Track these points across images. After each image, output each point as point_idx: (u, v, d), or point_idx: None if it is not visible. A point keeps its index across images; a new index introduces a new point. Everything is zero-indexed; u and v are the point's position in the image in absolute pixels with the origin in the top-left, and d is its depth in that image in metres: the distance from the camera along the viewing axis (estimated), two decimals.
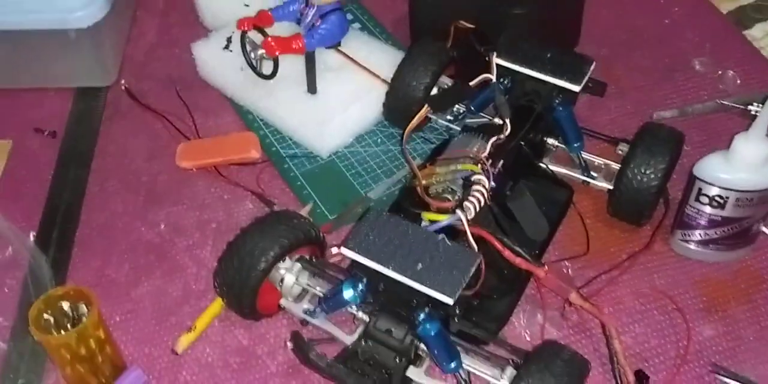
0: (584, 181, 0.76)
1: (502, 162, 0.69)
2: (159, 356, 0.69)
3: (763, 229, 0.73)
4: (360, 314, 0.65)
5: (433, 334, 0.59)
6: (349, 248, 0.59)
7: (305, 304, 0.68)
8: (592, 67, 0.71)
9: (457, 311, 0.61)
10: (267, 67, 0.80)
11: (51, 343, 0.63)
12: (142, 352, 0.69)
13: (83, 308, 0.64)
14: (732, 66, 0.88)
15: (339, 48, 0.82)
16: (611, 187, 0.74)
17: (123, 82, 0.90)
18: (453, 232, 0.64)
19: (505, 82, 0.72)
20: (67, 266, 0.75)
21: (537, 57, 0.71)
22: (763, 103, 0.80)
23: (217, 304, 0.71)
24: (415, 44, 0.79)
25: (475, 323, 0.65)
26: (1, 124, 0.87)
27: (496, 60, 0.71)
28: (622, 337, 0.66)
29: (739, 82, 0.87)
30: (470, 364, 0.61)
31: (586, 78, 0.71)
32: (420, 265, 0.58)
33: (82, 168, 0.83)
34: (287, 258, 0.66)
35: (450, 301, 0.56)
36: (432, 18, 0.85)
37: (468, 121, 0.78)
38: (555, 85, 0.71)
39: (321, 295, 0.66)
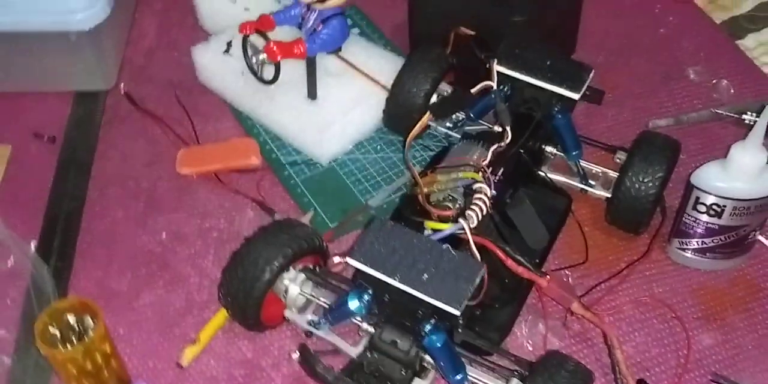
0: (582, 189, 0.77)
1: (502, 170, 0.70)
2: (164, 369, 0.69)
3: (760, 237, 0.74)
4: (365, 325, 0.65)
5: (439, 345, 0.59)
6: (355, 259, 0.59)
7: (309, 316, 0.68)
8: (591, 75, 0.72)
9: (461, 321, 0.61)
10: (268, 72, 0.80)
11: (57, 358, 0.62)
12: (147, 365, 0.69)
13: (89, 321, 0.64)
14: (726, 75, 0.89)
15: (339, 53, 0.82)
16: (609, 196, 0.75)
17: (122, 85, 0.90)
18: (456, 240, 0.64)
19: (505, 89, 0.73)
20: (69, 276, 0.75)
21: (537, 64, 0.72)
22: (757, 113, 0.82)
23: (221, 316, 0.71)
24: (415, 51, 0.79)
25: (478, 333, 0.66)
26: (0, 128, 0.87)
27: (497, 67, 0.71)
28: (623, 347, 0.67)
29: (732, 91, 0.88)
30: (475, 375, 0.61)
31: (586, 86, 0.71)
32: (425, 276, 0.58)
33: (81, 174, 0.83)
34: (291, 268, 0.66)
35: (457, 312, 0.57)
36: (431, 24, 0.85)
37: (467, 128, 0.78)
38: (554, 92, 0.72)
39: (325, 305, 0.67)
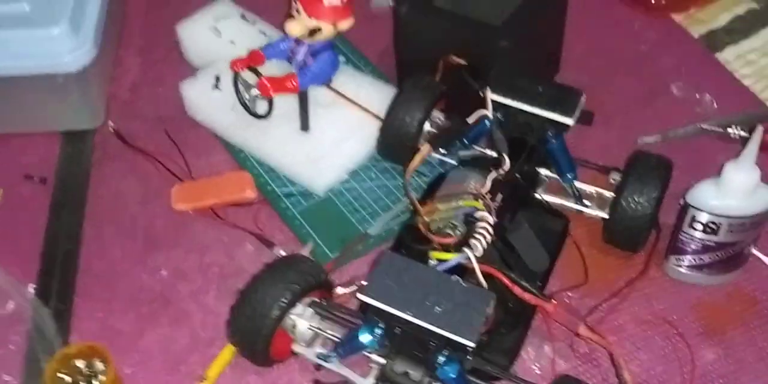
0: (578, 210, 0.78)
1: (500, 196, 0.71)
2: None
3: (754, 251, 0.76)
4: (375, 357, 0.66)
5: (453, 376, 0.60)
6: (367, 295, 0.60)
7: (318, 348, 0.68)
8: (583, 99, 0.73)
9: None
10: (260, 107, 0.81)
11: None
12: None
13: (98, 365, 0.64)
14: (708, 89, 0.91)
15: (329, 84, 0.83)
16: (606, 216, 0.76)
17: (110, 123, 0.90)
18: (461, 269, 0.65)
19: (499, 116, 0.74)
20: (70, 317, 0.75)
21: (529, 91, 0.73)
22: (742, 126, 0.84)
23: (228, 352, 0.71)
24: (407, 80, 0.80)
25: (487, 359, 0.66)
26: None
27: (491, 95, 0.72)
28: (630, 366, 0.68)
29: (716, 105, 0.89)
30: None
31: (579, 110, 0.72)
32: (438, 309, 0.59)
33: (75, 214, 0.82)
34: (298, 303, 0.67)
35: (471, 343, 0.58)
36: (417, 50, 0.86)
37: (461, 153, 0.79)
38: (546, 117, 0.73)
39: (334, 338, 0.67)
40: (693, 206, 0.70)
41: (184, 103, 0.88)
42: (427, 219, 0.68)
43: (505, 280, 0.64)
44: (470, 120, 0.73)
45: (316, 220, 0.80)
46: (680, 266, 0.75)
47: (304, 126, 0.82)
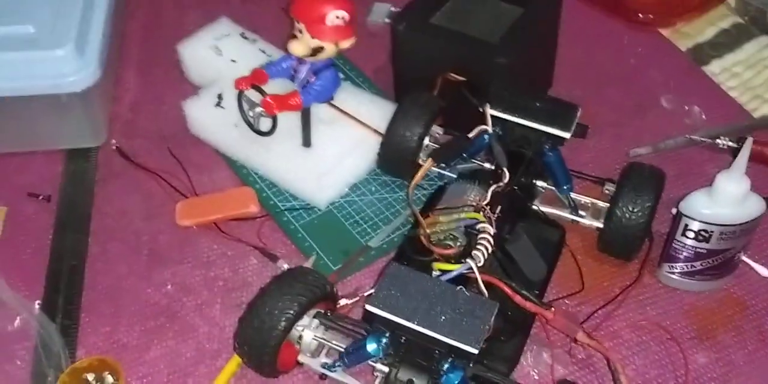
0: (573, 220, 0.80)
1: (499, 207, 0.73)
2: None
3: (744, 258, 0.78)
4: (379, 366, 0.67)
5: (456, 382, 0.62)
6: (373, 305, 0.61)
7: (323, 359, 0.70)
8: (579, 114, 0.76)
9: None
10: (264, 124, 0.82)
11: None
12: None
13: (108, 379, 0.65)
14: (696, 101, 0.94)
15: (330, 101, 0.85)
16: (601, 226, 0.78)
17: (113, 141, 0.91)
18: (462, 279, 0.67)
19: (497, 130, 0.76)
20: (77, 333, 0.76)
21: (527, 106, 0.75)
22: (730, 137, 0.86)
23: (234, 363, 0.72)
24: (407, 96, 0.82)
25: (488, 366, 0.68)
26: None
27: (490, 111, 0.75)
28: (626, 370, 0.70)
29: (704, 117, 0.92)
30: None
31: (575, 124, 0.75)
32: (443, 317, 0.60)
33: (80, 231, 0.84)
34: (304, 315, 0.68)
35: (475, 350, 0.59)
36: (414, 67, 0.88)
37: (459, 167, 0.81)
38: (544, 131, 0.75)
39: (339, 348, 0.68)
40: (685, 215, 0.73)
41: (186, 121, 0.90)
42: (428, 231, 0.70)
43: (506, 290, 0.66)
44: (471, 135, 0.75)
45: (318, 234, 0.82)
46: (673, 273, 0.77)
47: (307, 142, 0.84)
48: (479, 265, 0.67)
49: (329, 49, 0.79)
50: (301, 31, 0.78)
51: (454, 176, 0.80)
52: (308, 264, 0.79)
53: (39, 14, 0.84)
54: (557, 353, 0.73)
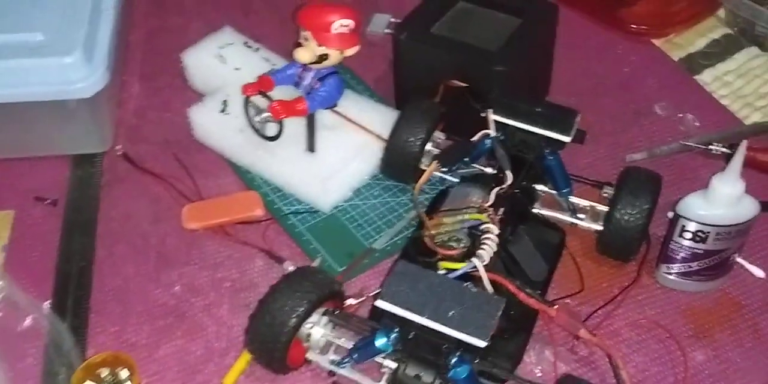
0: (572, 223, 0.82)
1: (502, 209, 0.75)
2: None
3: (738, 259, 0.80)
4: (387, 362, 0.69)
5: (464, 376, 0.63)
6: (384, 300, 0.63)
7: (331, 356, 0.71)
8: (578, 119, 0.78)
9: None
10: (269, 129, 0.84)
11: None
12: None
13: (122, 374, 0.67)
14: (689, 109, 0.96)
15: (334, 108, 0.87)
16: (600, 228, 0.80)
17: (118, 147, 0.93)
18: (468, 278, 0.69)
19: (499, 135, 0.78)
20: (86, 332, 0.77)
21: (528, 111, 0.77)
22: (723, 143, 0.89)
23: (243, 361, 0.74)
24: (409, 103, 0.84)
25: (493, 363, 0.70)
26: (2, 194, 0.89)
27: (493, 116, 0.77)
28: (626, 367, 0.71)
29: (697, 124, 0.95)
30: None
31: (575, 128, 0.77)
32: (451, 313, 0.62)
33: (87, 234, 0.85)
34: (313, 313, 0.70)
35: (483, 344, 0.61)
36: (415, 75, 0.90)
37: (461, 171, 0.83)
38: (544, 135, 0.77)
39: (346, 345, 0.70)
40: (683, 216, 0.75)
41: (192, 127, 0.92)
42: (433, 232, 0.72)
43: (511, 287, 0.68)
44: (475, 139, 0.77)
45: (323, 236, 0.84)
46: (670, 274, 0.79)
47: (311, 147, 0.85)
48: (484, 263, 0.68)
49: (334, 57, 0.81)
50: (307, 39, 0.80)
51: (457, 181, 0.82)
52: (314, 265, 0.80)
53: (48, 22, 0.86)
54: (560, 351, 0.75)
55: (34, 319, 0.77)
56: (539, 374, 0.74)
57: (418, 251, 0.73)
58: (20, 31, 0.85)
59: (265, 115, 0.82)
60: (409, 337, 0.65)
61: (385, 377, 0.69)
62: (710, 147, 0.89)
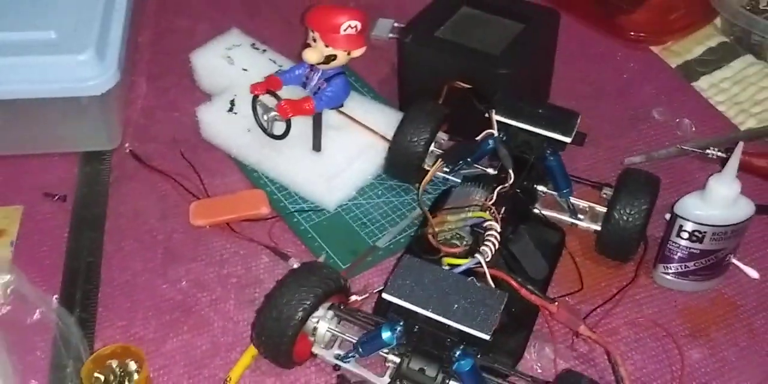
0: (572, 223, 0.84)
1: (504, 208, 0.76)
2: None
3: (734, 260, 0.82)
4: (391, 356, 0.70)
5: (467, 369, 0.65)
6: (389, 294, 0.65)
7: (336, 350, 0.73)
8: (579, 120, 0.80)
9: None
10: (276, 128, 0.86)
11: None
12: None
13: (131, 365, 0.68)
14: (686, 114, 0.98)
15: (340, 108, 0.88)
16: (599, 228, 0.82)
17: (126, 145, 0.94)
18: (470, 273, 0.70)
19: (502, 135, 0.80)
20: (94, 326, 0.78)
21: (531, 113, 0.79)
22: (719, 148, 0.91)
23: (248, 356, 0.75)
24: (414, 104, 0.86)
25: (494, 359, 0.71)
26: (11, 189, 0.90)
27: (496, 117, 0.79)
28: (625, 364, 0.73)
29: (694, 129, 0.97)
30: None
31: (575, 129, 0.79)
32: (455, 306, 0.64)
33: (96, 230, 0.86)
34: (319, 307, 0.71)
35: (486, 337, 0.63)
36: (419, 77, 0.92)
37: (463, 172, 0.85)
38: (545, 136, 0.79)
39: (351, 340, 0.71)
40: (680, 216, 0.77)
41: (199, 126, 0.94)
42: (437, 230, 0.74)
43: (513, 283, 0.69)
44: (479, 138, 0.79)
45: (327, 234, 0.85)
46: (668, 274, 0.81)
47: (317, 147, 0.87)
48: (487, 260, 0.70)
49: (341, 57, 0.83)
50: (315, 40, 0.82)
51: (459, 181, 0.84)
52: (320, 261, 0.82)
53: (61, 20, 0.88)
54: (559, 348, 0.76)
55: (42, 312, 0.78)
56: (539, 371, 0.76)
57: (421, 249, 0.75)
58: (35, 29, 0.87)
59: (273, 113, 0.84)
60: (414, 330, 0.66)
61: (388, 372, 0.71)
62: (707, 151, 0.91)
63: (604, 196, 0.83)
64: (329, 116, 0.88)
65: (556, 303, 0.71)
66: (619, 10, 1.09)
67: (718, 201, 0.75)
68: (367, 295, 0.79)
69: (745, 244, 0.83)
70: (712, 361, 0.77)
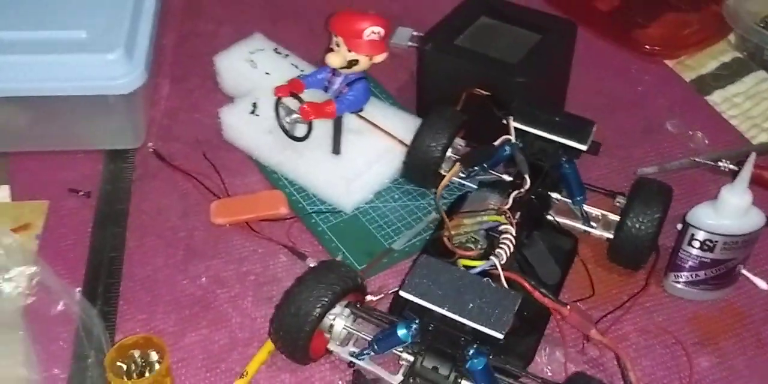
0: (585, 230, 0.86)
1: (519, 214, 0.78)
2: None
3: (743, 271, 0.83)
4: (404, 355, 0.72)
5: (480, 368, 0.66)
6: (406, 292, 0.66)
7: (351, 348, 0.74)
8: (595, 129, 0.82)
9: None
10: (299, 130, 0.88)
11: None
12: None
13: (153, 356, 0.70)
14: (699, 127, 1.00)
15: (360, 113, 0.90)
16: (611, 236, 0.83)
17: (150, 144, 0.97)
18: (484, 275, 0.72)
19: (519, 142, 0.82)
20: (115, 319, 0.80)
21: (548, 120, 0.81)
22: (731, 160, 0.92)
23: (265, 351, 0.77)
24: (432, 110, 0.88)
25: (505, 360, 0.73)
26: (38, 185, 0.92)
27: (514, 123, 0.80)
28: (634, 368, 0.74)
29: (707, 141, 0.98)
30: None
31: (591, 138, 0.81)
32: (471, 305, 0.65)
33: (119, 225, 0.88)
34: (337, 304, 0.73)
35: (500, 335, 0.64)
36: (438, 84, 0.94)
37: (479, 177, 0.87)
38: (561, 143, 0.81)
39: (367, 338, 0.73)
40: (692, 225, 0.78)
41: (222, 127, 0.96)
42: (453, 232, 0.75)
43: (527, 286, 0.71)
44: (496, 143, 0.81)
45: (344, 236, 0.87)
46: (678, 282, 0.82)
47: (336, 150, 0.89)
48: (502, 262, 0.72)
49: (363, 62, 0.85)
50: (338, 45, 0.84)
51: (475, 186, 0.86)
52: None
53: (92, 21, 0.90)
54: (570, 352, 0.78)
55: (65, 304, 0.80)
56: (549, 374, 0.77)
57: (437, 251, 0.77)
58: (67, 28, 0.89)
59: (295, 116, 0.86)
60: (429, 328, 0.68)
61: (402, 370, 0.72)
62: (719, 164, 0.92)
63: (617, 204, 0.84)
64: (349, 120, 0.90)
65: (568, 306, 0.72)
66: (634, 24, 1.12)
67: (730, 210, 0.77)
68: (382, 295, 0.80)
69: (755, 255, 0.84)
70: (720, 369, 0.78)
